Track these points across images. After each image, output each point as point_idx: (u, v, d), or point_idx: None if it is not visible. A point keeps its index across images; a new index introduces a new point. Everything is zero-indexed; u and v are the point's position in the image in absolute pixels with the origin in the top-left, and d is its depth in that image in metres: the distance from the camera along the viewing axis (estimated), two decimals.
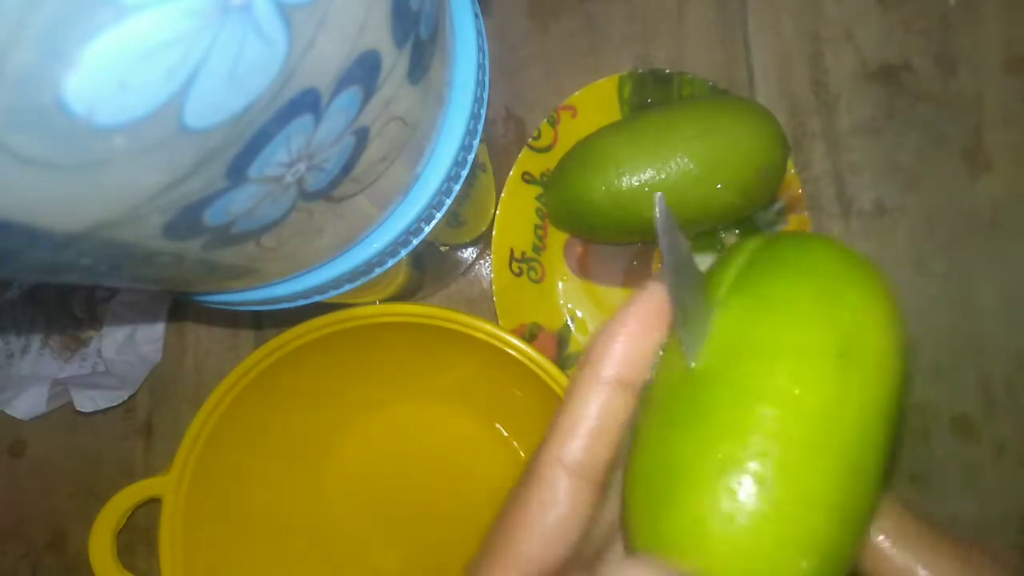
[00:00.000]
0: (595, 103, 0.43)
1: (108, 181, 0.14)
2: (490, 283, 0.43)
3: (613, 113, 0.43)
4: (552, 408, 0.35)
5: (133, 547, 0.44)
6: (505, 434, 0.41)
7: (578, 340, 0.43)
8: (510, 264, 0.42)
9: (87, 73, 0.12)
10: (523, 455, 0.41)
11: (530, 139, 0.42)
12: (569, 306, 0.43)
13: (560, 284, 0.43)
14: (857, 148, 0.44)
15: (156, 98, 0.13)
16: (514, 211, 0.42)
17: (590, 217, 0.39)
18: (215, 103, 0.14)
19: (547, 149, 0.43)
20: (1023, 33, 0.44)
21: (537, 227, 0.43)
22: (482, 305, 0.45)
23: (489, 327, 0.35)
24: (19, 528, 0.45)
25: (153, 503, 0.45)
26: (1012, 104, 0.44)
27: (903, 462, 0.43)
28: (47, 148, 0.13)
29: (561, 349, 0.43)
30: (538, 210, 0.43)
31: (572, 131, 0.42)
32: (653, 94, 0.43)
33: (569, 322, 0.43)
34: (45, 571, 0.45)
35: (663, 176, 0.37)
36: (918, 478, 0.42)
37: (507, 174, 0.42)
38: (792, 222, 0.42)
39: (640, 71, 0.43)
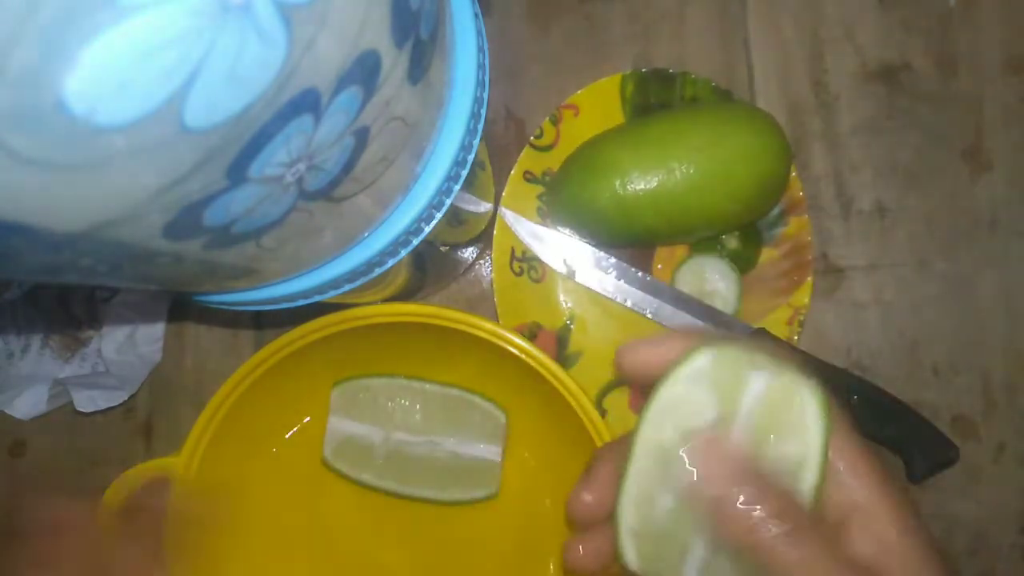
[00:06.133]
0: (597, 102, 0.43)
1: (108, 181, 0.14)
2: (490, 283, 0.43)
3: (615, 113, 0.43)
4: (555, 406, 0.35)
5: None
6: (507, 431, 0.41)
7: (578, 340, 0.43)
8: (511, 263, 0.42)
9: (87, 73, 0.12)
10: (526, 453, 0.41)
11: (532, 137, 0.42)
12: (569, 305, 0.43)
13: (560, 284, 0.43)
14: (857, 148, 0.44)
15: (156, 98, 0.13)
16: (516, 210, 0.42)
17: (593, 222, 0.39)
18: (215, 103, 0.14)
19: (549, 148, 0.43)
20: (1023, 33, 0.44)
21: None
22: (482, 305, 0.45)
23: (491, 325, 0.35)
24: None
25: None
26: (1012, 104, 0.44)
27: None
28: (47, 148, 0.13)
29: (561, 348, 0.43)
30: (539, 209, 0.43)
31: (574, 130, 0.42)
32: (656, 94, 0.43)
33: (569, 322, 0.43)
34: None
35: (668, 185, 0.37)
36: None
37: (507, 174, 0.42)
38: (792, 223, 0.42)
39: (643, 71, 0.43)
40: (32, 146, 0.13)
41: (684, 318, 0.42)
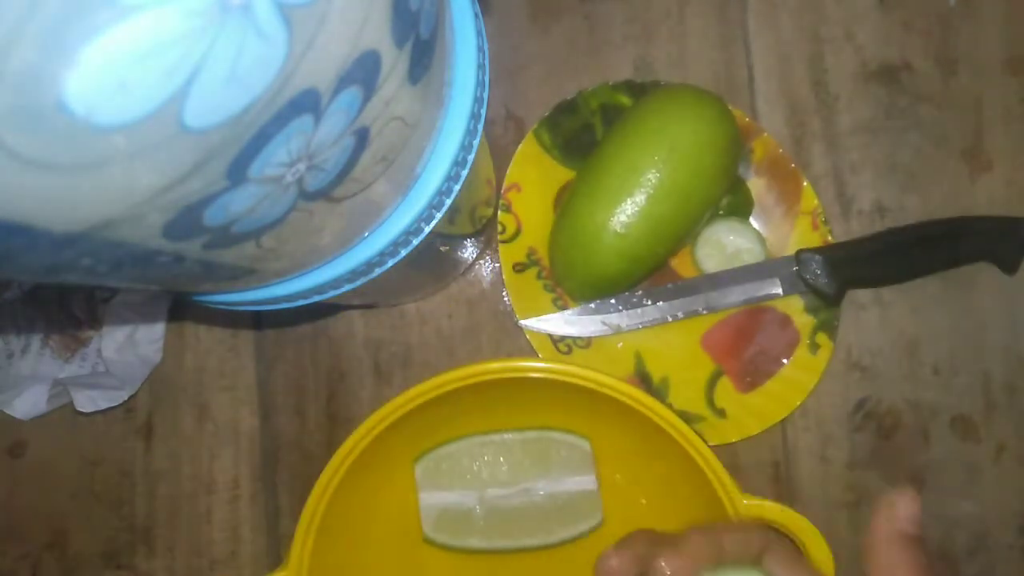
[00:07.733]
0: (529, 169, 0.43)
1: (108, 181, 0.14)
2: (491, 283, 0.43)
3: (549, 166, 0.43)
4: (630, 419, 0.34)
5: (133, 547, 0.44)
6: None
7: (656, 368, 0.43)
8: (556, 348, 0.42)
9: (87, 73, 0.12)
10: (616, 475, 0.40)
11: (499, 235, 0.42)
12: (629, 347, 0.43)
13: (609, 336, 0.43)
14: (857, 148, 0.44)
15: (156, 98, 0.13)
16: (529, 304, 0.42)
17: (611, 285, 0.40)
18: (215, 103, 0.14)
19: (517, 235, 0.43)
20: (1023, 33, 0.44)
21: (555, 300, 0.43)
22: (482, 304, 0.45)
23: (565, 367, 0.34)
24: (19, 528, 0.45)
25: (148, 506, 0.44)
26: (1012, 104, 0.44)
27: (903, 462, 0.43)
28: (47, 148, 0.13)
29: (647, 383, 0.42)
30: (545, 286, 0.43)
31: (526, 206, 0.43)
32: (570, 124, 0.43)
33: (639, 360, 0.43)
34: (45, 571, 0.45)
35: (655, 209, 0.38)
36: (918, 478, 0.42)
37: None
38: (756, 147, 0.43)
39: (544, 115, 0.43)
40: (32, 146, 0.13)
41: (733, 292, 0.42)
